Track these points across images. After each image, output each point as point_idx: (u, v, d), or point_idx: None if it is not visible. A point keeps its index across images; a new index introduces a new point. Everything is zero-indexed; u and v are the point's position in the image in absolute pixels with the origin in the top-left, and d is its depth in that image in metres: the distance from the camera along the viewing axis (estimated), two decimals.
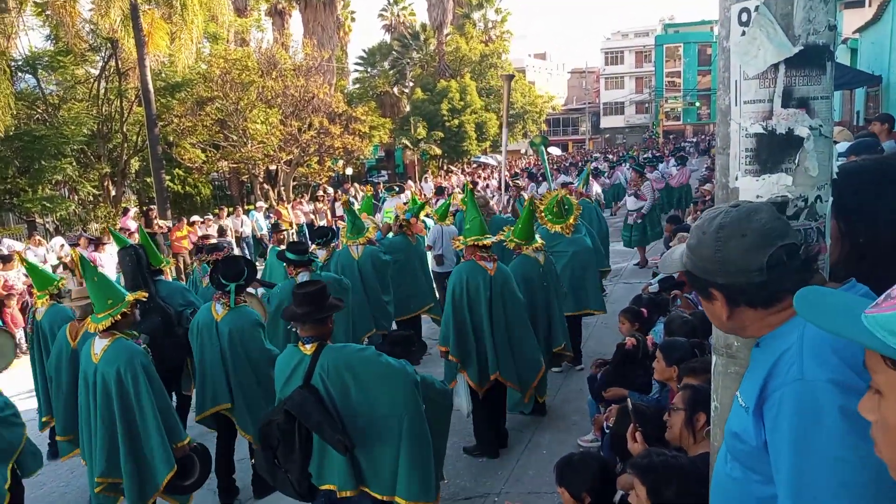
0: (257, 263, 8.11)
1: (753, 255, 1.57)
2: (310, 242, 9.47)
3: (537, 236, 6.25)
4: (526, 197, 8.50)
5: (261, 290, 6.10)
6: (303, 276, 5.94)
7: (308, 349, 3.50)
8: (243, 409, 4.92)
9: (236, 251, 14.57)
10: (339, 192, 22.51)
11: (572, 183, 11.08)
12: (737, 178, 1.79)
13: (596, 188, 14.37)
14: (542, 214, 7.27)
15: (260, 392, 4.92)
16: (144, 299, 5.61)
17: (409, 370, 3.57)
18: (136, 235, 11.97)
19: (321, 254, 7.71)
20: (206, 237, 8.19)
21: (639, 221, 11.96)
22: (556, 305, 6.20)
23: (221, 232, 15.23)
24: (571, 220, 7.32)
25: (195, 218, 16.32)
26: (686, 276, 1.74)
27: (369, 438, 3.49)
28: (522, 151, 54.42)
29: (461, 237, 5.67)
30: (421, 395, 3.58)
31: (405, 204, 11.82)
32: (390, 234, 8.31)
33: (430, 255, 8.47)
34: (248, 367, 4.90)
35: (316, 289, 3.58)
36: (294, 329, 3.66)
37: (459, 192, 17.24)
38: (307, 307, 3.51)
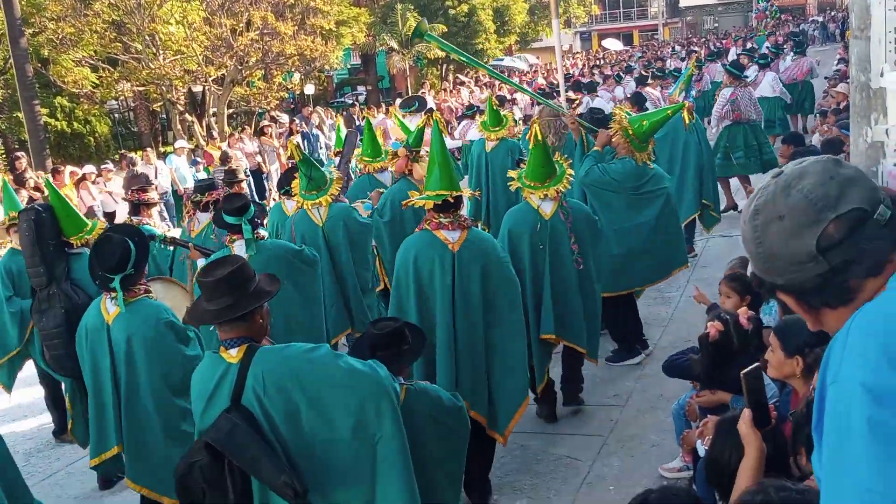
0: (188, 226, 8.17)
1: (798, 240, 1.64)
2: (254, 197, 9.56)
3: (568, 172, 6.26)
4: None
5: (202, 262, 6.20)
6: (241, 247, 5.97)
7: (233, 356, 3.53)
8: (138, 454, 5.01)
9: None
10: (296, 121, 22.46)
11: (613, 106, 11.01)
12: (882, 74, 1.75)
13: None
14: (620, 140, 7.27)
15: (162, 429, 4.99)
16: (40, 286, 6.06)
17: (382, 374, 3.60)
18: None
19: (290, 206, 7.74)
20: (142, 188, 8.37)
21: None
22: (550, 281, 6.17)
23: (225, 158, 15.67)
24: (651, 146, 7.45)
25: (88, 168, 16.35)
26: (755, 281, 1.81)
27: (329, 476, 3.53)
28: (566, 48, 53.91)
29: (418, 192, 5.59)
30: (398, 408, 3.60)
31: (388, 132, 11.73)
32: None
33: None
34: (151, 391, 4.95)
35: (231, 270, 3.56)
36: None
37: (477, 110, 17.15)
38: (221, 299, 3.52)
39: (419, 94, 28.14)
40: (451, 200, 5.26)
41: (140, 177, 15.91)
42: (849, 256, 1.62)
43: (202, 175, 17.98)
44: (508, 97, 23.63)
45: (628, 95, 16.06)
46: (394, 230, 7.65)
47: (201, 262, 6.12)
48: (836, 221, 1.61)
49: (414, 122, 15.69)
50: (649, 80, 17.06)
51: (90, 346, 5.07)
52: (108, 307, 5.01)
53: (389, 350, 4.01)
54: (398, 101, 27.55)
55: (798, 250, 1.65)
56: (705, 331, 4.62)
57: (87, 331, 5.10)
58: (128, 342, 4.91)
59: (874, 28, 1.74)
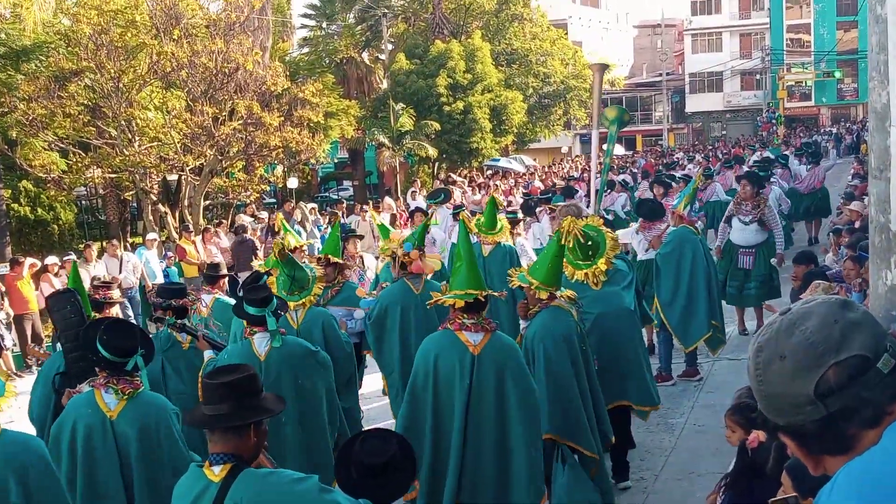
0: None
1: (797, 382, 1.70)
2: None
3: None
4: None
5: (209, 354, 6.38)
6: (261, 340, 6.09)
7: (216, 474, 3.51)
8: None
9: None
10: (277, 215, 22.56)
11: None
12: None
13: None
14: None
15: None
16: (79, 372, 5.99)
17: None
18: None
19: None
20: (106, 285, 8.49)
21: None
22: (596, 380, 6.64)
23: (246, 233, 16.01)
24: (602, 265, 7.19)
25: (51, 259, 16.33)
26: (760, 417, 1.88)
27: None
28: (564, 150, 54.88)
29: (443, 291, 5.88)
30: None
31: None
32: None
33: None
34: (163, 488, 4.82)
35: (236, 378, 3.58)
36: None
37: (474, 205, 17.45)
38: (218, 406, 3.52)
39: (411, 190, 28.41)
40: (482, 300, 5.59)
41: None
42: (848, 404, 1.67)
43: (173, 270, 18.01)
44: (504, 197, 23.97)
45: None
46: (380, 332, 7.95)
47: (208, 354, 6.35)
48: (836, 367, 1.67)
49: (440, 214, 16.36)
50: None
51: (85, 447, 4.92)
52: (108, 402, 4.95)
53: (377, 479, 3.93)
54: (386, 198, 27.82)
55: (797, 392, 1.70)
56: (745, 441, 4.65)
57: (76, 431, 4.94)
58: (139, 437, 4.90)
59: (894, 169, 1.83)
